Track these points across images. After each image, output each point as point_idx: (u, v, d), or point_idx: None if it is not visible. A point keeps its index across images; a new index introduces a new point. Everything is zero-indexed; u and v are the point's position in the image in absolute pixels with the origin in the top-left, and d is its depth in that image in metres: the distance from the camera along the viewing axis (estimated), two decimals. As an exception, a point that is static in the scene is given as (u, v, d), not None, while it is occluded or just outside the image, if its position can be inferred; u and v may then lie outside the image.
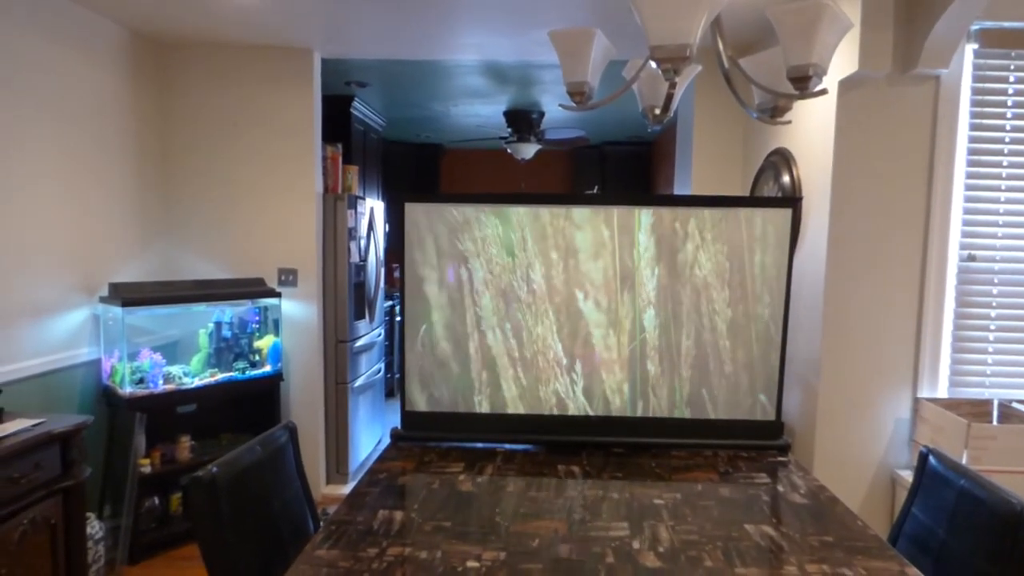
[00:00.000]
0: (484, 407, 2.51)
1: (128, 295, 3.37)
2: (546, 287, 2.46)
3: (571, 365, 2.48)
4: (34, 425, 2.46)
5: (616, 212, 2.43)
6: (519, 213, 2.44)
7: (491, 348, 2.48)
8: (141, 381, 3.42)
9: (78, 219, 3.33)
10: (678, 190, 4.40)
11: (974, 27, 2.78)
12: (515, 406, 2.50)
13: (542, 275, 2.45)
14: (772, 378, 2.48)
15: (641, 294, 2.45)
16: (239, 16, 3.47)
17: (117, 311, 3.34)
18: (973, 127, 2.82)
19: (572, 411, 2.50)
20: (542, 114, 6.06)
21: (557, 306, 2.46)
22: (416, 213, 2.46)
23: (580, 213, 2.43)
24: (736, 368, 2.47)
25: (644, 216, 2.42)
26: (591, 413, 2.50)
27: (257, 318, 3.96)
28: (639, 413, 2.49)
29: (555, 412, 2.50)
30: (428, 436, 2.50)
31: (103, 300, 3.45)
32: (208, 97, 4.02)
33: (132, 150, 3.75)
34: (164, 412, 3.63)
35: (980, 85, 2.81)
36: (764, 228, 2.43)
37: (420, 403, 2.52)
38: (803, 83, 1.54)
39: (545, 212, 2.44)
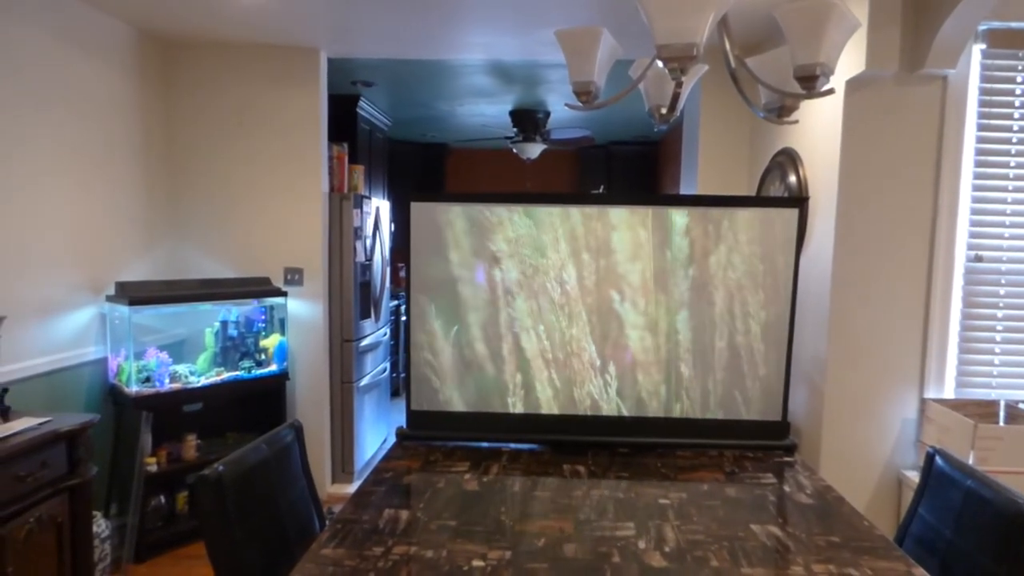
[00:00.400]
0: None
1: (135, 294, 3.38)
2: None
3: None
4: (40, 424, 2.46)
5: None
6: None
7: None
8: (147, 380, 3.43)
9: (84, 217, 3.34)
10: (684, 190, 4.39)
11: (982, 27, 2.77)
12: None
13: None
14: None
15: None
16: (245, 16, 3.48)
17: (124, 310, 3.35)
18: (980, 127, 2.81)
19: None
20: (548, 114, 6.06)
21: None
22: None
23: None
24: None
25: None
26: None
27: (263, 317, 3.97)
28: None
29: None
30: (433, 436, 2.51)
31: (109, 299, 3.46)
32: (214, 96, 4.03)
33: (139, 149, 3.76)
34: (170, 411, 3.65)
35: (988, 85, 2.80)
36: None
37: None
38: (810, 82, 1.54)
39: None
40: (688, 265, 2.44)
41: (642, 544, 1.66)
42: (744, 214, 2.42)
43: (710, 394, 2.48)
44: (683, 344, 2.46)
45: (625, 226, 2.42)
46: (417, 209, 2.48)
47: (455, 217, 2.45)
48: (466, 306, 2.48)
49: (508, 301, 2.46)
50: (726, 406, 2.49)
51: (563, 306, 2.45)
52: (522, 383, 2.49)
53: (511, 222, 2.44)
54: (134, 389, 3.34)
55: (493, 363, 2.49)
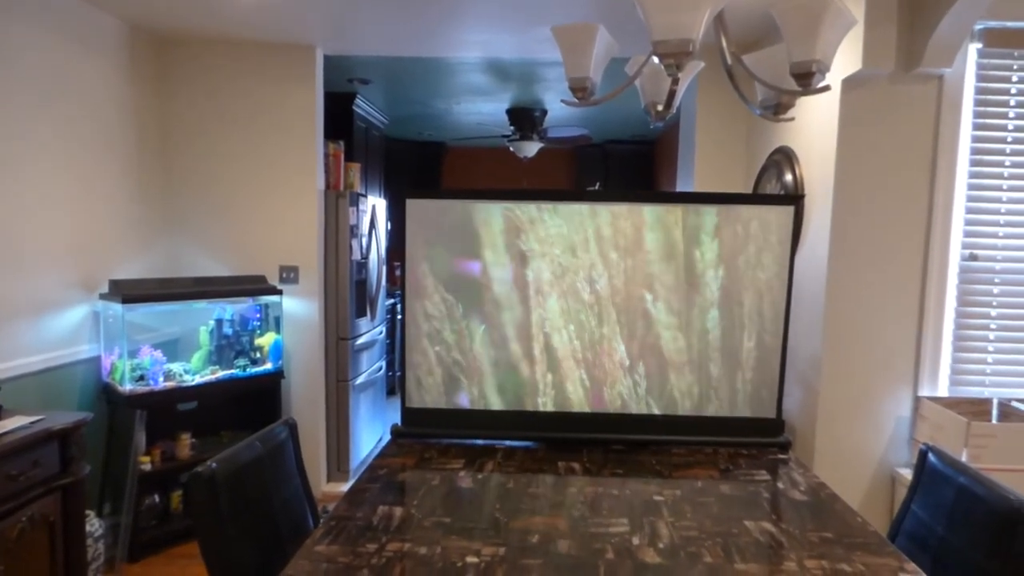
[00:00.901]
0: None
1: (128, 292, 3.36)
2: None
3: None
4: (33, 422, 2.45)
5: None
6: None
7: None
8: (141, 378, 3.42)
9: (78, 215, 3.32)
10: (681, 188, 4.39)
11: (978, 26, 2.77)
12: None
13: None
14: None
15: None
16: (241, 13, 3.47)
17: (117, 308, 3.33)
18: (976, 126, 2.82)
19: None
20: (544, 112, 6.06)
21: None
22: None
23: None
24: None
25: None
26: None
27: (258, 315, 3.96)
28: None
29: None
30: (428, 432, 2.50)
31: (103, 297, 3.45)
32: (210, 93, 4.02)
33: (133, 146, 3.75)
34: (164, 409, 3.63)
35: (983, 84, 2.81)
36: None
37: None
38: (806, 79, 1.54)
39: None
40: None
41: (636, 540, 1.66)
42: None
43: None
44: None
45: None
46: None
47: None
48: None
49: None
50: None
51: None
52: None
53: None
54: (128, 387, 3.33)
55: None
